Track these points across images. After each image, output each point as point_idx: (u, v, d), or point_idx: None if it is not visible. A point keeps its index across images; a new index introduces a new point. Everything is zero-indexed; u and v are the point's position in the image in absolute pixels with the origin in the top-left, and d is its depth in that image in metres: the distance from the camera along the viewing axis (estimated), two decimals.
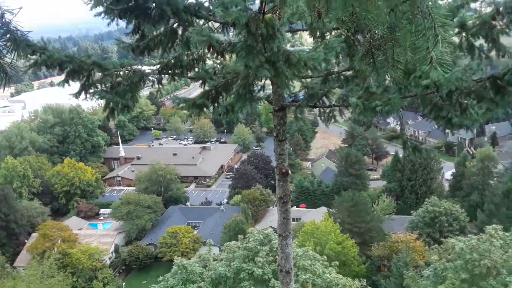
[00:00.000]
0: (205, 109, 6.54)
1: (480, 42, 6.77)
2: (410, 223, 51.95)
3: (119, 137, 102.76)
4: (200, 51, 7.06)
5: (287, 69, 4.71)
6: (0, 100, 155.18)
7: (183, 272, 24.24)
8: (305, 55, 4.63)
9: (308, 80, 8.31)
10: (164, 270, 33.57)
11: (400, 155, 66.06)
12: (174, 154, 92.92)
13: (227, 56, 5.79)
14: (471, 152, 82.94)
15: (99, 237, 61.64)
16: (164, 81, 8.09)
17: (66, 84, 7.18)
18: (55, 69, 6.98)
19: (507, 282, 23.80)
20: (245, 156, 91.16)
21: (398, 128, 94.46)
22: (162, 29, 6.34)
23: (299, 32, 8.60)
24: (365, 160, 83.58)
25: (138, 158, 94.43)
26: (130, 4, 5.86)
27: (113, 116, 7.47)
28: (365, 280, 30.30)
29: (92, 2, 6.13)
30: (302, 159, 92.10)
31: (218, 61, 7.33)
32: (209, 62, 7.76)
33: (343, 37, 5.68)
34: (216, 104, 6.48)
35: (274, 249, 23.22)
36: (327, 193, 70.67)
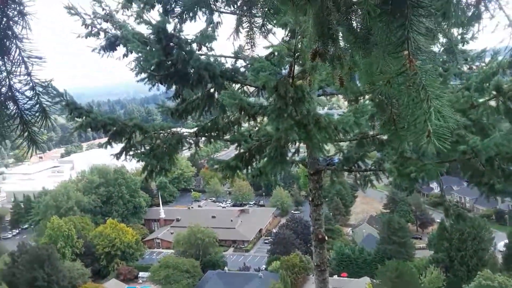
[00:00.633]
0: (238, 172, 6.64)
1: None
2: None
3: (160, 198, 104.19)
4: (236, 114, 7.31)
5: (317, 132, 4.77)
6: (51, 160, 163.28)
7: None
8: (335, 119, 4.70)
9: (343, 143, 8.33)
10: None
11: (447, 223, 62.88)
12: (213, 217, 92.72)
13: (259, 119, 5.97)
14: None
15: None
16: (201, 144, 8.36)
17: (108, 146, 7.58)
18: (100, 131, 7.43)
19: None
20: (283, 220, 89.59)
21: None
22: (199, 93, 6.69)
23: (336, 95, 8.78)
24: (409, 227, 79.90)
25: (178, 220, 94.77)
26: (170, 70, 6.27)
27: (151, 177, 7.72)
28: None
29: (137, 69, 6.62)
30: (341, 224, 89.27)
31: (253, 125, 7.55)
32: (245, 125, 7.99)
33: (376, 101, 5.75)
34: (249, 167, 6.58)
35: None
36: (369, 262, 67.38)
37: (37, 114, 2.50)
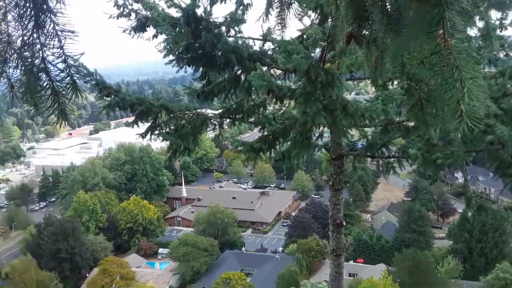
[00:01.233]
0: (261, 154, 6.64)
1: None
2: None
3: (183, 177, 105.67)
4: (261, 97, 7.29)
5: (344, 118, 4.72)
6: (80, 137, 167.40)
7: None
8: (363, 106, 4.63)
9: (368, 129, 8.22)
10: None
11: (469, 214, 61.75)
12: (234, 198, 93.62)
13: (286, 102, 5.93)
14: None
15: (155, 277, 62.25)
16: (226, 126, 8.39)
17: (135, 125, 7.68)
18: (127, 110, 7.53)
19: None
20: (303, 204, 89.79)
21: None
22: (226, 76, 6.68)
23: (363, 80, 8.64)
24: (430, 216, 78.90)
25: (199, 199, 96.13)
26: (198, 52, 6.28)
27: (175, 157, 7.80)
28: None
29: (165, 51, 6.66)
30: (361, 210, 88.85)
31: (278, 108, 7.51)
32: (269, 108, 7.95)
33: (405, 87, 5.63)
34: (272, 149, 6.57)
35: None
36: (386, 249, 67.08)
37: (67, 86, 2.56)
